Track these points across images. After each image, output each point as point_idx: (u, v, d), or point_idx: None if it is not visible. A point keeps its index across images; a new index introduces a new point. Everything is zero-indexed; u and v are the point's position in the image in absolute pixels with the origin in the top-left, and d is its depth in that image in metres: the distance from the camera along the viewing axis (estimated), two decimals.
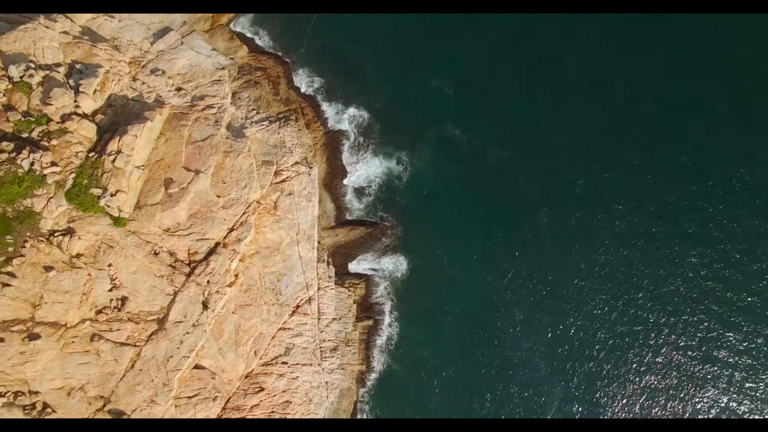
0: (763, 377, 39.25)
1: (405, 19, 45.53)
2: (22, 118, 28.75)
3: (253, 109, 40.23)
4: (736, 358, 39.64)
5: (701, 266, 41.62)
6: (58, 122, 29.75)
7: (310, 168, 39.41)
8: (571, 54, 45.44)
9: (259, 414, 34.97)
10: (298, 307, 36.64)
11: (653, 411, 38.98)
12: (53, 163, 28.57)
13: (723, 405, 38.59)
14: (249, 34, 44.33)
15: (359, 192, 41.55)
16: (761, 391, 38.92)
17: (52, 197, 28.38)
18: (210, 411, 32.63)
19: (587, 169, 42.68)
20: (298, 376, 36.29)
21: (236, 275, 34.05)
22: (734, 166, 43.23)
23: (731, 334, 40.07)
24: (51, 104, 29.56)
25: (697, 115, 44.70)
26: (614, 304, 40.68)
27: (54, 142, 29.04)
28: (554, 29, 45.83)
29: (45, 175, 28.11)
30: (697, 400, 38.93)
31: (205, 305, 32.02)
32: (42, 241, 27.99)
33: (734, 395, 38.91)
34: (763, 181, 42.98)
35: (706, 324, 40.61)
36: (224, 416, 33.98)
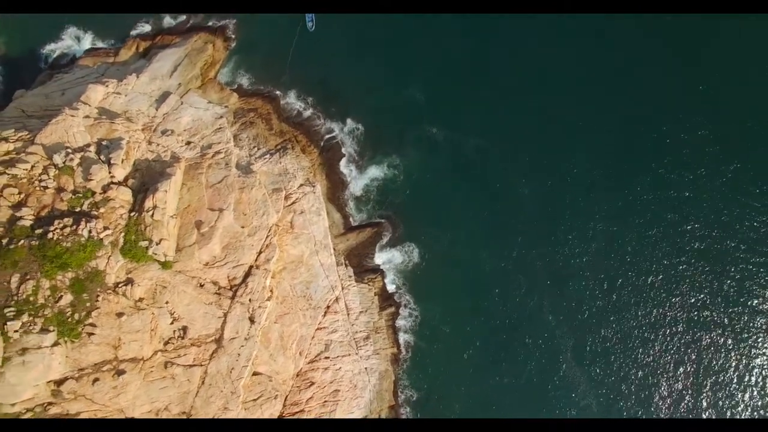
0: None
1: (372, 34, 50.54)
2: (72, 196, 34.22)
3: (254, 147, 45.75)
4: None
5: (681, 225, 46.75)
6: (100, 193, 35.22)
7: (314, 187, 44.81)
8: (520, 49, 50.74)
9: (314, 405, 40.38)
10: (328, 307, 41.99)
11: (648, 371, 44.23)
12: (105, 228, 34.02)
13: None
14: (235, 81, 49.58)
15: (360, 199, 46.93)
16: None
17: (110, 256, 33.80)
18: (274, 409, 38.05)
19: (554, 143, 48.09)
20: (340, 367, 41.70)
21: (271, 290, 39.51)
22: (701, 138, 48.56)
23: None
24: (92, 179, 35.05)
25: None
26: (597, 259, 46.10)
27: (101, 210, 34.52)
28: (504, 28, 51.15)
29: (101, 239, 33.51)
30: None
31: (251, 320, 37.45)
32: (110, 293, 33.45)
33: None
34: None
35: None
36: (285, 412, 39.43)
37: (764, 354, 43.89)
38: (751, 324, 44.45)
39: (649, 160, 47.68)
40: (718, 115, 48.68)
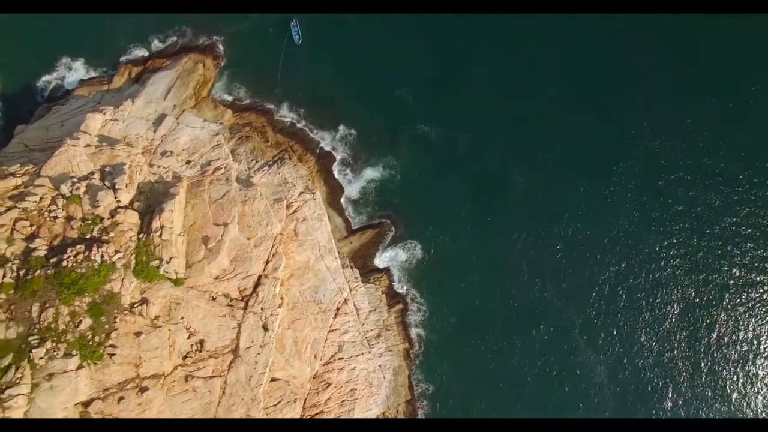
0: None
1: (358, 40, 51.64)
2: (82, 223, 35.29)
3: (252, 160, 46.85)
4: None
5: (676, 209, 48.21)
6: (108, 218, 36.30)
7: (314, 193, 45.90)
8: (519, 49, 51.98)
9: (332, 405, 41.49)
10: (338, 309, 43.12)
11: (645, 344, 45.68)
12: (116, 251, 35.09)
13: None
14: (228, 98, 50.64)
15: (359, 202, 48.04)
16: None
17: (123, 278, 34.88)
18: (294, 412, 39.16)
19: (551, 139, 49.43)
20: (355, 367, 42.80)
21: (282, 297, 40.62)
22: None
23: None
24: (99, 205, 36.12)
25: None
26: (598, 248, 47.69)
27: (111, 234, 35.59)
28: (503, 28, 52.41)
29: (114, 263, 34.58)
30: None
31: (265, 328, 38.53)
32: (127, 313, 34.55)
33: None
34: None
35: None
36: (305, 414, 40.54)
37: None
38: (753, 298, 45.78)
39: (646, 154, 49.15)
40: (717, 114, 50.05)
